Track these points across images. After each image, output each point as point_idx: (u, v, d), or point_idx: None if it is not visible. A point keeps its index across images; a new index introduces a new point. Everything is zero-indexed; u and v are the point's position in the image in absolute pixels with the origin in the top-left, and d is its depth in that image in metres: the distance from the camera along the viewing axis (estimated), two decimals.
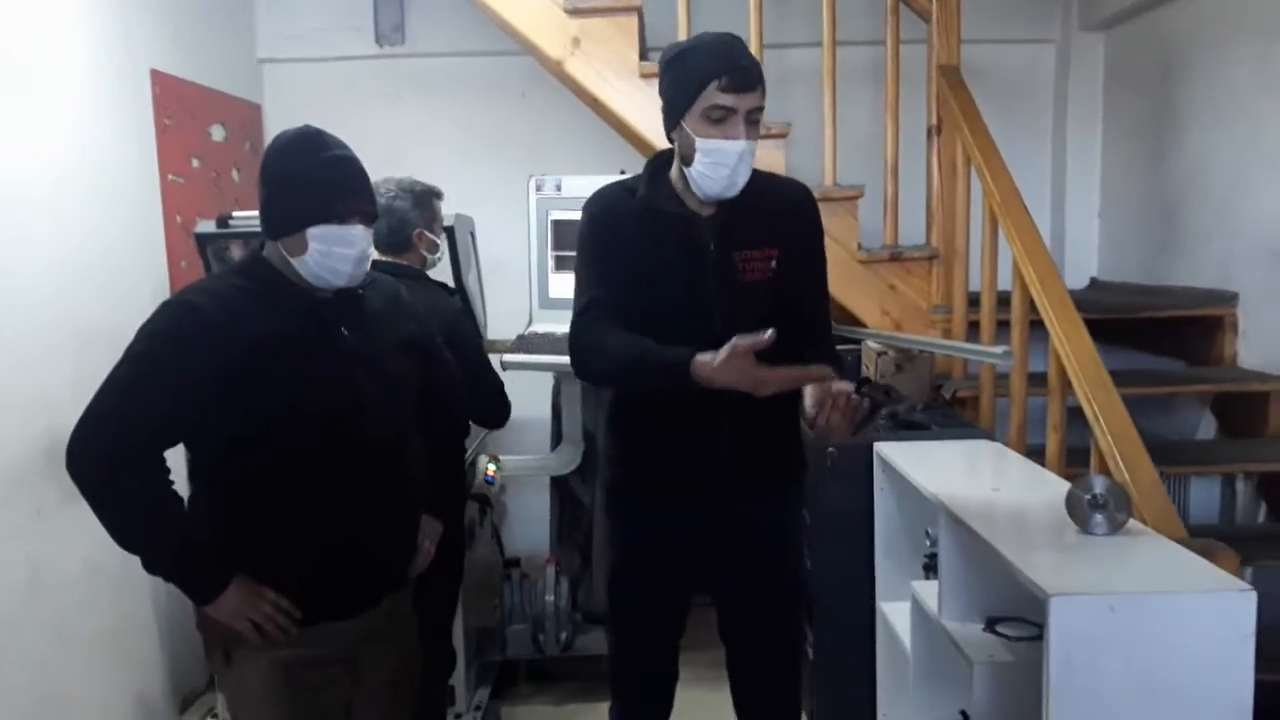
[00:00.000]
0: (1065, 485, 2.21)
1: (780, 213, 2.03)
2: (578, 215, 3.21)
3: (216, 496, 1.74)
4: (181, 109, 3.46)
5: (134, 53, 3.21)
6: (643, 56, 3.28)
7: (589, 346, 1.98)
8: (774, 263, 2.00)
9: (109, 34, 3.07)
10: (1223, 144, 3.32)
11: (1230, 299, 3.24)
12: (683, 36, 3.26)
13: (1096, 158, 4.19)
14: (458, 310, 2.64)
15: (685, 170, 1.93)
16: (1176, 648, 1.54)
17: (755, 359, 1.73)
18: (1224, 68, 3.31)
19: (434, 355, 2.06)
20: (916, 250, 3.28)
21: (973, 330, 3.08)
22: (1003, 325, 2.88)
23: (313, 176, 1.73)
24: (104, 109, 3.03)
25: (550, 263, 3.27)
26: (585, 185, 3.24)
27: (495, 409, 2.59)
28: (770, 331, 1.72)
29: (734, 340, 1.74)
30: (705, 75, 1.84)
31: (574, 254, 3.23)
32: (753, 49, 3.18)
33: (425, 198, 2.70)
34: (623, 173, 3.34)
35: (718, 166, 1.87)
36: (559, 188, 3.23)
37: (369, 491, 1.78)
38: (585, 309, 2.00)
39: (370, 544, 1.80)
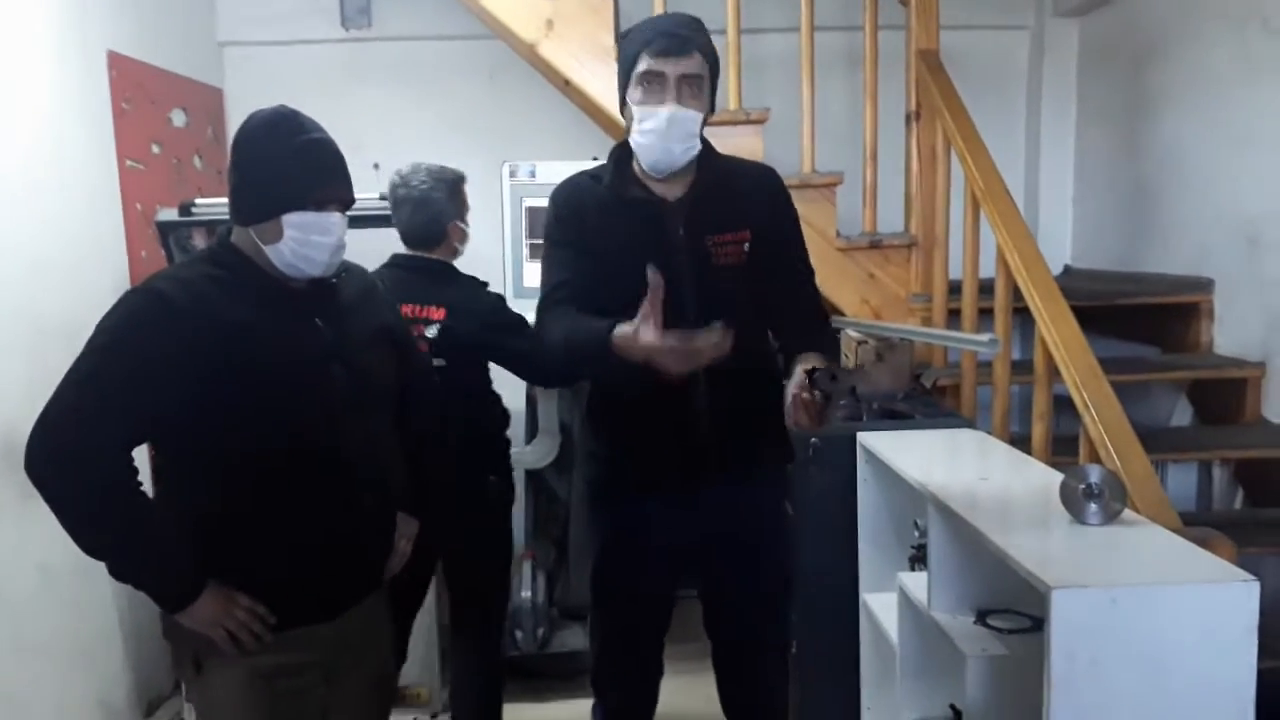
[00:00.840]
0: (1054, 474, 2.19)
1: (749, 194, 2.01)
2: None
3: (185, 497, 1.65)
4: (140, 93, 3.35)
5: (89, 33, 3.09)
6: (617, 39, 3.21)
7: (540, 341, 1.97)
8: (746, 245, 1.97)
9: (63, 13, 2.95)
10: (1198, 129, 3.31)
11: (1206, 285, 3.24)
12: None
13: (1071, 144, 4.19)
14: (495, 300, 2.59)
15: (631, 143, 1.93)
16: (1179, 640, 1.51)
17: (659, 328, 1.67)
18: (1200, 53, 3.30)
19: (409, 347, 1.99)
20: (896, 238, 3.25)
21: (953, 318, 3.05)
22: (985, 313, 2.85)
23: (289, 161, 1.65)
24: (58, 92, 2.91)
25: (525, 250, 3.20)
26: (560, 171, 3.15)
27: (546, 371, 2.58)
28: (654, 277, 1.68)
29: (640, 318, 1.69)
30: (638, 46, 1.88)
31: None
32: (728, 34, 3.15)
33: (457, 186, 2.63)
34: (595, 159, 3.31)
35: (650, 134, 1.87)
36: (533, 174, 3.16)
37: (344, 489, 1.71)
38: (542, 302, 1.99)
39: (346, 544, 1.73)
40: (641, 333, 1.68)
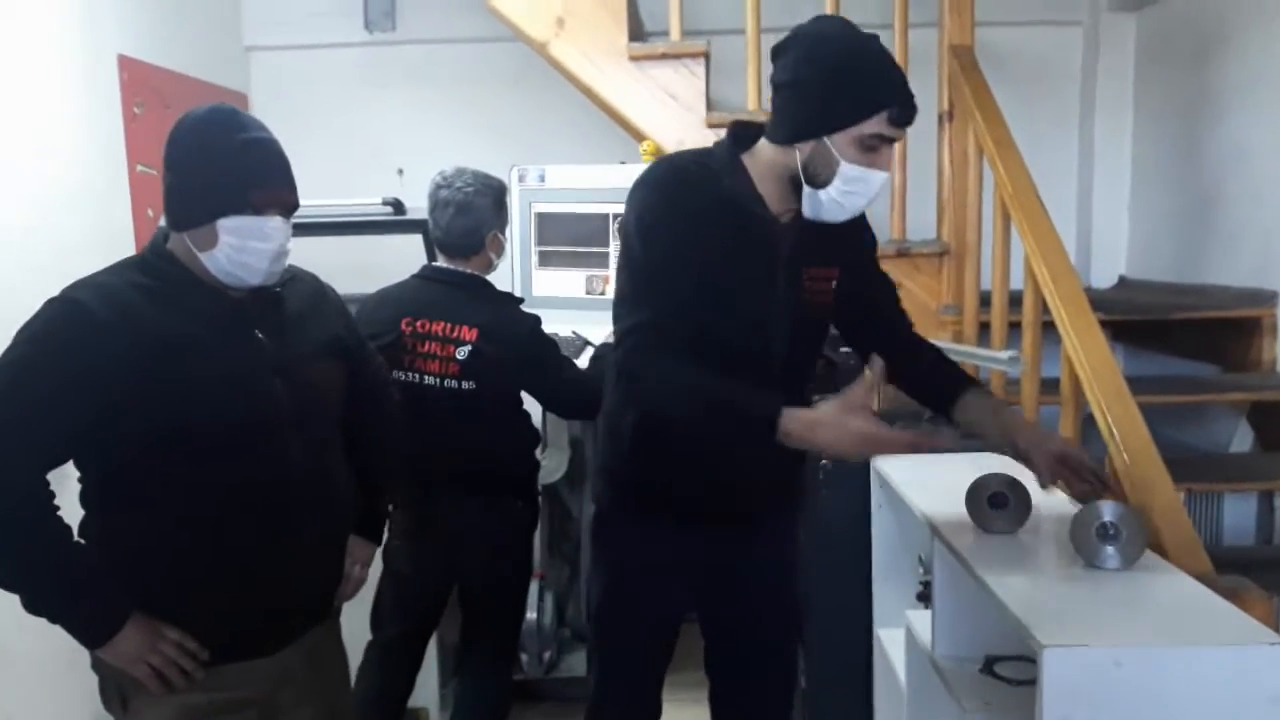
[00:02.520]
0: (1076, 507, 2.00)
1: (844, 228, 1.76)
2: (562, 208, 3.10)
3: (111, 522, 1.55)
4: (154, 97, 3.31)
5: (98, 36, 3.06)
6: (633, 38, 3.08)
7: (654, 382, 1.67)
8: (834, 284, 1.80)
9: (72, 16, 2.92)
10: (1263, 131, 3.06)
11: (1269, 299, 2.98)
12: (675, 17, 3.07)
13: (1127, 148, 3.93)
14: (534, 324, 2.44)
15: (808, 189, 1.65)
16: (1193, 710, 1.32)
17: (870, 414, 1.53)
18: (1266, 47, 3.05)
19: (363, 358, 1.87)
20: (926, 246, 3.06)
21: (984, 332, 2.85)
22: (1015, 327, 2.65)
23: (225, 161, 1.54)
24: (66, 95, 2.89)
25: (534, 258, 3.08)
26: (571, 176, 3.08)
27: (587, 404, 2.34)
28: (878, 366, 1.58)
29: (844, 394, 1.54)
30: (879, 100, 1.59)
31: (558, 249, 3.12)
32: (748, 33, 3.01)
33: (502, 195, 2.53)
34: (622, 162, 3.20)
35: (855, 197, 1.65)
36: (542, 178, 3.05)
37: (287, 513, 1.60)
38: (643, 327, 1.65)
39: (288, 572, 1.61)
40: (853, 421, 1.52)
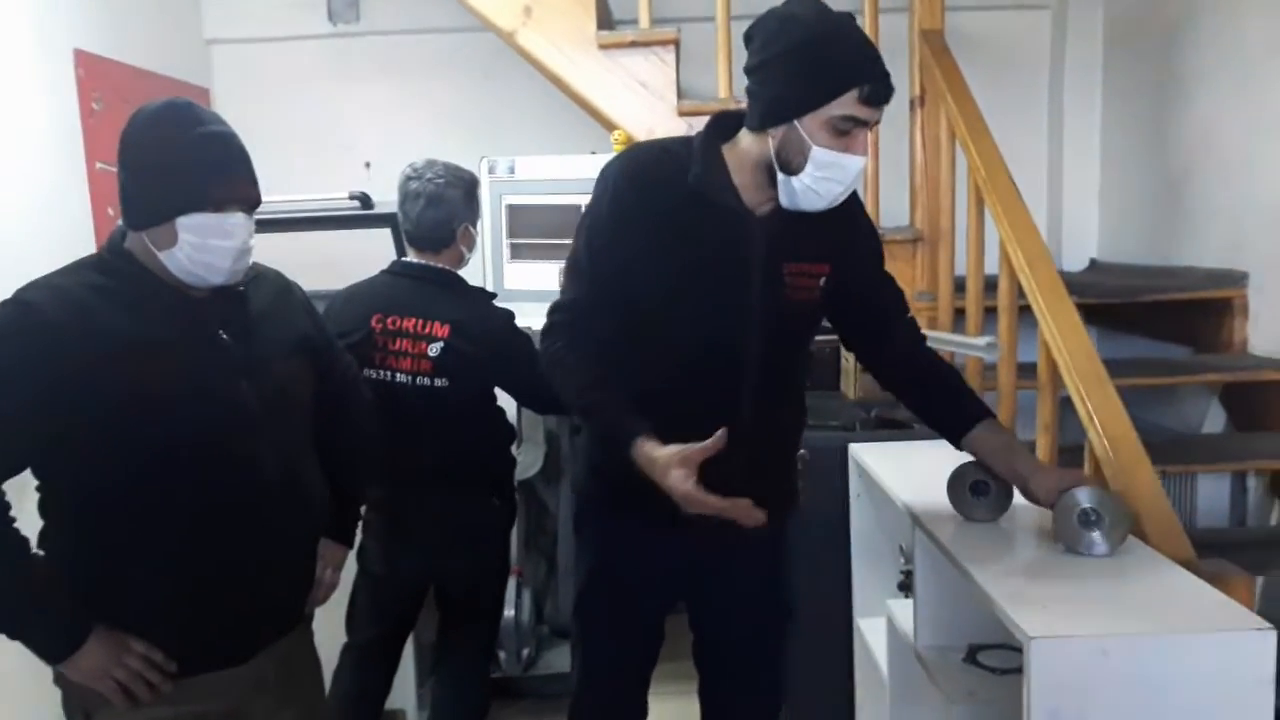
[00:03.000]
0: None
1: (834, 221, 1.69)
2: (532, 200, 3.06)
3: (71, 532, 1.50)
4: (112, 92, 3.23)
5: (53, 30, 2.98)
6: (602, 26, 3.04)
7: (553, 362, 1.73)
8: (823, 281, 1.72)
9: (23, 9, 2.84)
10: (1233, 113, 3.06)
11: (1240, 279, 2.99)
12: (644, 5, 3.04)
13: (1096, 131, 3.93)
14: (507, 319, 2.40)
15: (782, 177, 1.60)
16: (1181, 696, 1.32)
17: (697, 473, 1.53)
18: (1234, 30, 3.05)
19: (332, 357, 1.83)
20: (899, 232, 3.04)
21: (959, 318, 2.84)
22: (991, 312, 2.64)
23: (183, 157, 1.49)
24: (19, 92, 2.81)
25: (505, 251, 3.04)
26: (541, 167, 3.04)
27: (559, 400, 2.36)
28: (720, 435, 1.53)
29: (685, 448, 1.53)
30: (847, 79, 1.52)
31: (530, 242, 3.07)
32: (718, 19, 2.97)
33: (473, 187, 2.48)
34: (593, 152, 3.16)
35: (831, 183, 1.58)
36: (512, 170, 3.00)
37: (255, 517, 1.55)
38: (562, 308, 1.72)
39: (257, 578, 1.57)
40: (673, 478, 1.54)
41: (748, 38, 1.64)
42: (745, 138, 1.66)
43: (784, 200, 1.64)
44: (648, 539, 1.82)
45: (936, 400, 1.84)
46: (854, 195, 1.78)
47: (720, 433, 1.52)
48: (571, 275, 1.74)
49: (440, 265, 2.41)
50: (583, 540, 1.96)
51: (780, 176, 1.61)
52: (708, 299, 1.66)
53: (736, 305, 1.67)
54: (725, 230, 1.66)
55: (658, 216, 1.65)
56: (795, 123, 1.56)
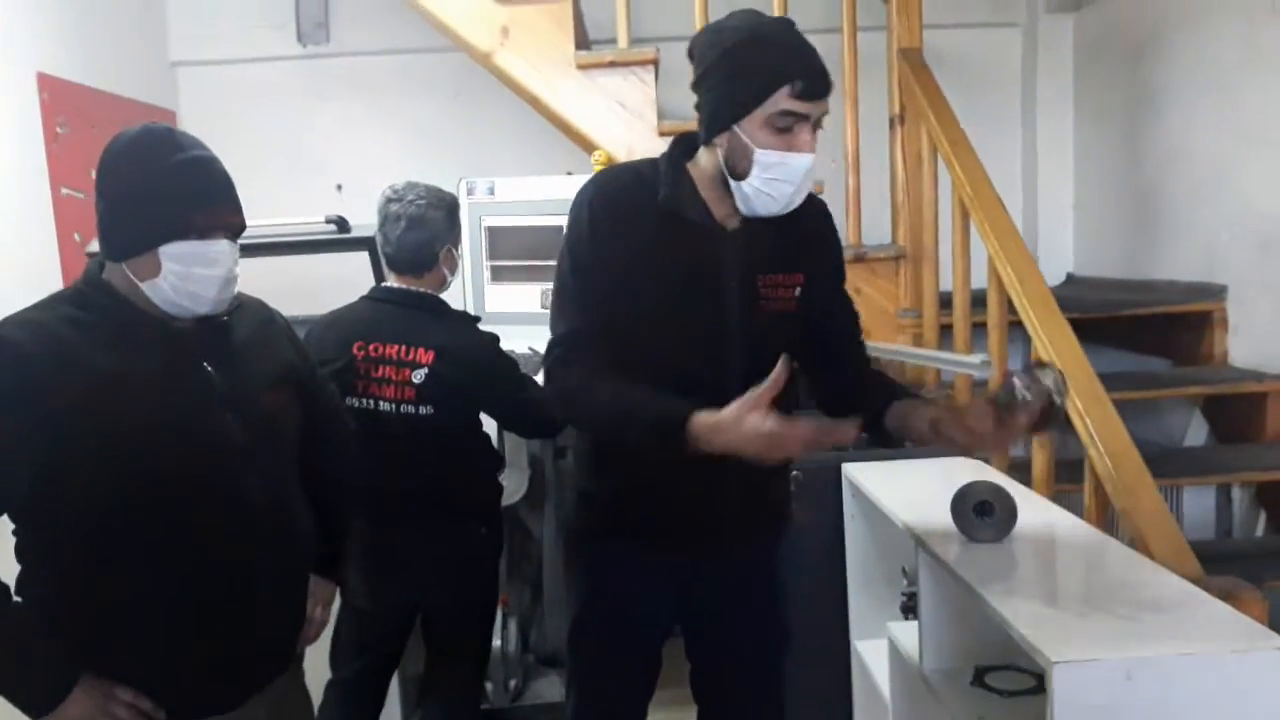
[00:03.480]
0: (1056, 511, 1.98)
1: (806, 232, 1.70)
2: (513, 221, 3.01)
3: (52, 575, 1.43)
4: (77, 116, 3.16)
5: (14, 53, 2.90)
6: (580, 46, 3.02)
7: (573, 396, 1.64)
8: (798, 290, 1.70)
9: None
10: (1205, 127, 3.10)
11: (1218, 292, 3.02)
12: (623, 25, 3.01)
13: (1069, 147, 3.98)
14: (492, 343, 2.33)
15: (733, 184, 1.58)
16: (1206, 718, 1.29)
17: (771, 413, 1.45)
18: (1205, 46, 3.09)
19: (316, 386, 1.77)
20: (882, 250, 3.04)
21: (945, 334, 2.83)
22: (978, 328, 2.64)
23: (165, 184, 1.42)
24: None
25: (485, 273, 2.99)
26: (521, 188, 3.00)
27: (548, 423, 2.32)
28: (782, 362, 1.45)
29: (747, 395, 1.45)
30: (776, 77, 1.50)
31: (511, 264, 3.03)
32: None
33: (454, 209, 2.40)
34: (569, 173, 3.12)
35: (780, 184, 1.55)
36: (492, 191, 2.96)
37: (242, 557, 1.48)
38: (563, 340, 1.65)
39: (247, 618, 1.50)
40: (752, 422, 1.44)
41: (689, 54, 1.64)
42: (703, 153, 1.66)
43: (741, 208, 1.62)
44: (640, 566, 1.77)
45: (858, 399, 1.78)
46: (824, 208, 1.79)
47: (783, 363, 1.47)
48: (562, 306, 1.68)
49: (422, 289, 2.35)
50: (575, 570, 1.91)
51: (732, 184, 1.60)
52: (687, 317, 1.64)
53: (715, 321, 1.64)
54: (698, 247, 1.64)
55: (634, 239, 1.63)
56: (735, 128, 1.55)
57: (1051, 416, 1.49)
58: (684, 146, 1.69)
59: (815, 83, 1.52)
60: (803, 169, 1.56)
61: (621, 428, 1.60)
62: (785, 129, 1.53)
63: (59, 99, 3.07)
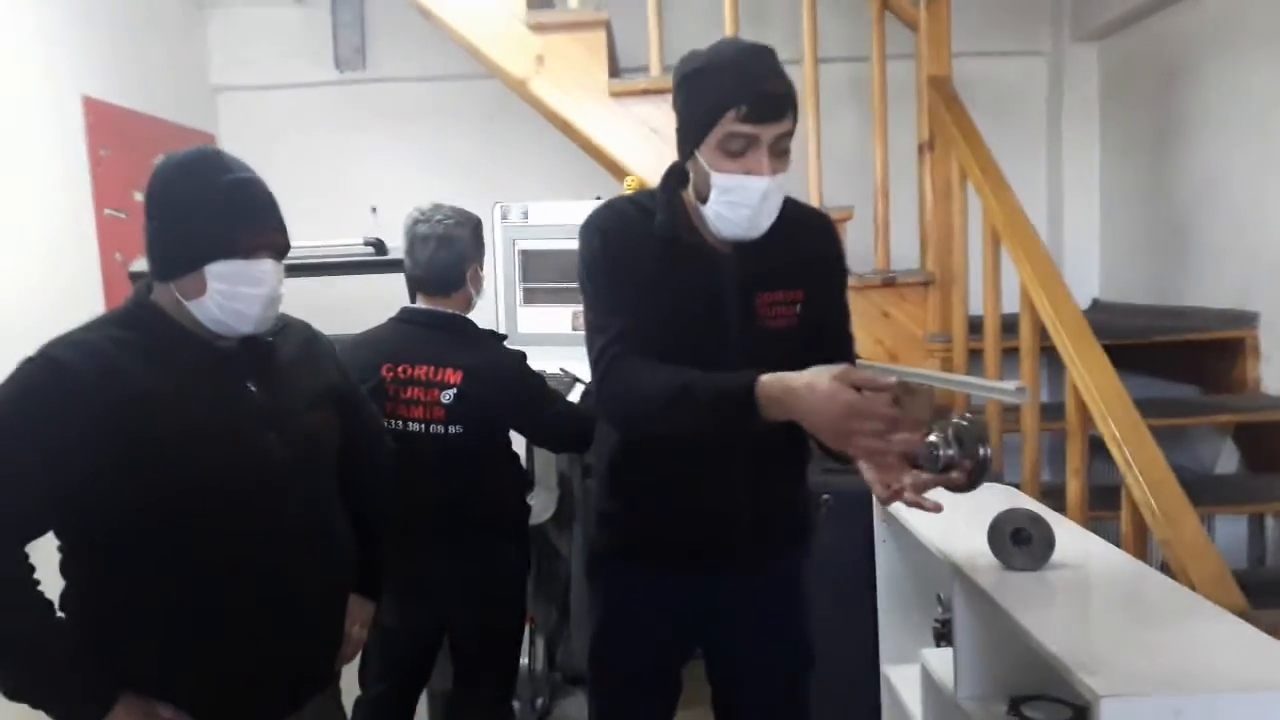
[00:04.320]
0: (1091, 538, 1.98)
1: (806, 249, 1.71)
2: (547, 245, 3.05)
3: (96, 594, 1.44)
4: (120, 139, 3.22)
5: (60, 78, 2.97)
6: (613, 74, 3.06)
7: (627, 389, 1.63)
8: (798, 307, 1.70)
9: (32, 57, 2.83)
10: (1235, 154, 3.11)
11: (1251, 319, 3.02)
12: (654, 54, 3.06)
13: (1095, 174, 3.99)
14: (519, 361, 2.36)
15: (701, 208, 1.63)
16: None
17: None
18: (1233, 73, 3.11)
19: (356, 405, 1.79)
20: (911, 275, 3.05)
21: (974, 359, 2.85)
22: (1008, 353, 2.65)
23: (211, 205, 1.45)
24: (28, 139, 2.79)
25: (519, 295, 3.02)
26: (554, 212, 3.03)
27: (578, 436, 2.27)
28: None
29: (834, 366, 1.43)
30: (721, 101, 1.53)
31: (545, 286, 3.07)
32: None
33: (479, 229, 2.43)
34: (598, 198, 3.15)
35: (737, 207, 1.57)
36: (525, 215, 2.99)
37: (284, 575, 1.50)
38: (613, 342, 1.64)
39: (288, 637, 1.52)
40: (825, 385, 1.40)
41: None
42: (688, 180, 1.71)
43: (712, 230, 1.65)
44: (658, 585, 1.78)
45: None
46: (827, 224, 1.79)
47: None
48: (597, 318, 1.69)
49: (450, 310, 2.38)
50: (595, 589, 1.92)
51: (700, 208, 1.63)
52: (688, 339, 1.65)
53: (717, 341, 1.66)
54: (696, 269, 1.66)
55: (641, 266, 1.66)
56: (696, 154, 1.59)
57: (978, 472, 1.42)
58: (678, 175, 1.71)
59: (762, 105, 1.53)
60: (758, 190, 1.56)
61: (681, 406, 1.55)
62: (738, 152, 1.55)
63: (103, 122, 3.13)
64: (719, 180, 1.56)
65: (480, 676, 2.50)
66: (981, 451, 1.36)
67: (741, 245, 1.66)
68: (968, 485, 1.41)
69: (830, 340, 1.76)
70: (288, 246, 1.55)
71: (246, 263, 1.46)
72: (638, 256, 1.66)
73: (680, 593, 1.78)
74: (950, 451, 1.36)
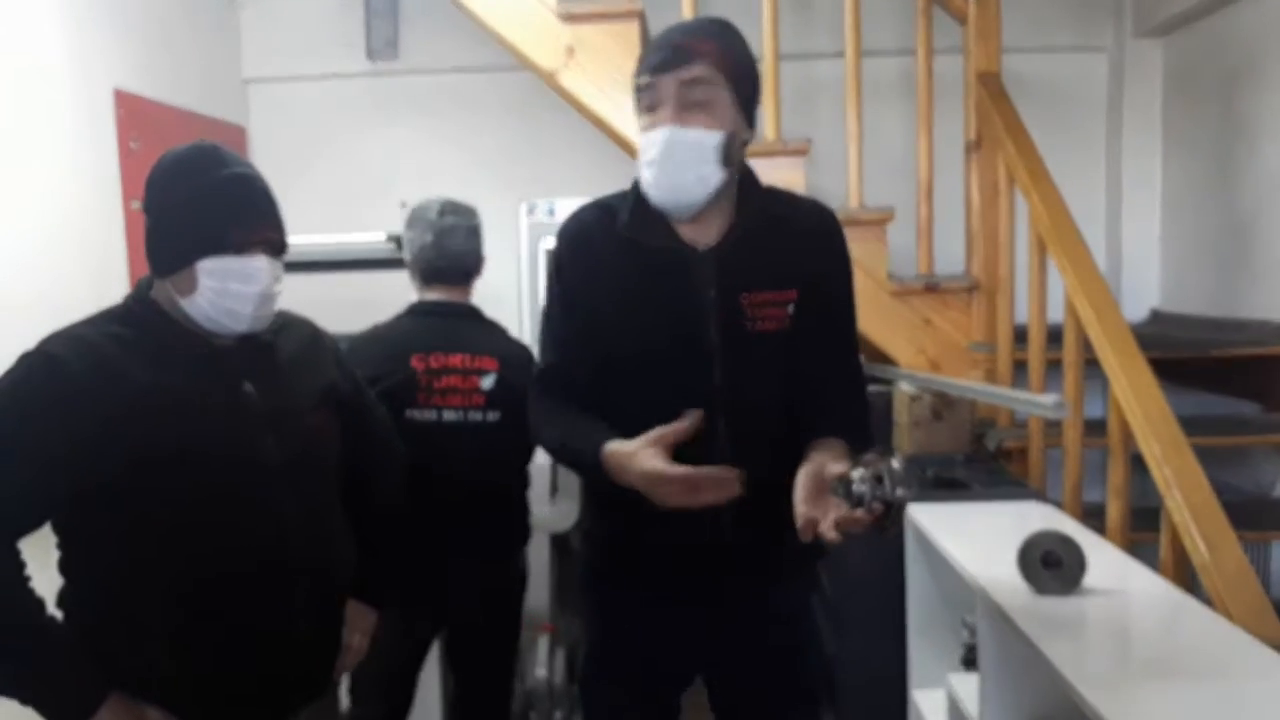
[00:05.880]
0: (1128, 562, 1.85)
1: (800, 242, 1.58)
2: None
3: (89, 592, 1.42)
4: (150, 132, 3.21)
5: (93, 71, 2.96)
6: None
7: (534, 430, 1.65)
8: (791, 307, 1.55)
9: (65, 51, 2.82)
10: None
11: None
12: None
13: (1156, 177, 3.80)
14: (528, 349, 2.29)
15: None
16: None
17: (668, 454, 1.38)
18: None
19: (362, 406, 1.73)
20: (954, 280, 2.92)
21: (1019, 370, 2.71)
22: (1054, 365, 2.51)
23: (204, 199, 1.42)
24: (60, 132, 2.79)
25: (544, 296, 2.95)
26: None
27: None
28: (693, 416, 1.40)
29: (653, 432, 1.40)
30: (640, 69, 1.50)
31: None
32: (767, 61, 2.89)
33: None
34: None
35: (650, 166, 1.47)
36: (552, 212, 2.92)
37: (282, 579, 1.46)
38: (538, 378, 1.66)
39: (280, 642, 1.48)
40: (641, 458, 1.38)
41: None
42: None
43: (654, 203, 1.53)
44: (646, 610, 1.66)
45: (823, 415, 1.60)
46: (828, 219, 1.62)
47: (695, 413, 1.41)
48: (544, 340, 1.66)
49: (464, 302, 2.34)
50: (585, 610, 1.82)
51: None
52: (666, 342, 1.55)
53: (695, 345, 1.54)
54: (667, 271, 1.54)
55: (597, 273, 1.57)
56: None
57: (888, 517, 1.27)
58: None
59: (656, 54, 1.47)
60: (660, 141, 1.45)
61: (564, 459, 1.60)
62: (650, 108, 1.48)
63: (134, 115, 3.12)
64: (640, 140, 1.49)
65: (483, 686, 2.42)
66: (898, 493, 1.24)
67: (724, 241, 1.54)
68: (875, 528, 1.27)
69: (828, 344, 1.61)
70: (283, 244, 1.50)
71: (238, 259, 1.42)
72: (595, 267, 1.57)
73: (668, 618, 1.65)
74: (863, 489, 1.25)
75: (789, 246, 1.56)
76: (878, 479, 1.26)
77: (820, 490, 1.32)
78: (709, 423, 1.49)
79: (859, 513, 1.25)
